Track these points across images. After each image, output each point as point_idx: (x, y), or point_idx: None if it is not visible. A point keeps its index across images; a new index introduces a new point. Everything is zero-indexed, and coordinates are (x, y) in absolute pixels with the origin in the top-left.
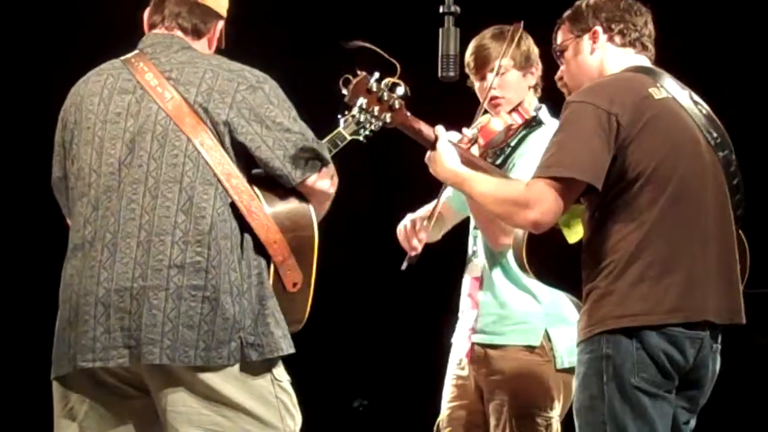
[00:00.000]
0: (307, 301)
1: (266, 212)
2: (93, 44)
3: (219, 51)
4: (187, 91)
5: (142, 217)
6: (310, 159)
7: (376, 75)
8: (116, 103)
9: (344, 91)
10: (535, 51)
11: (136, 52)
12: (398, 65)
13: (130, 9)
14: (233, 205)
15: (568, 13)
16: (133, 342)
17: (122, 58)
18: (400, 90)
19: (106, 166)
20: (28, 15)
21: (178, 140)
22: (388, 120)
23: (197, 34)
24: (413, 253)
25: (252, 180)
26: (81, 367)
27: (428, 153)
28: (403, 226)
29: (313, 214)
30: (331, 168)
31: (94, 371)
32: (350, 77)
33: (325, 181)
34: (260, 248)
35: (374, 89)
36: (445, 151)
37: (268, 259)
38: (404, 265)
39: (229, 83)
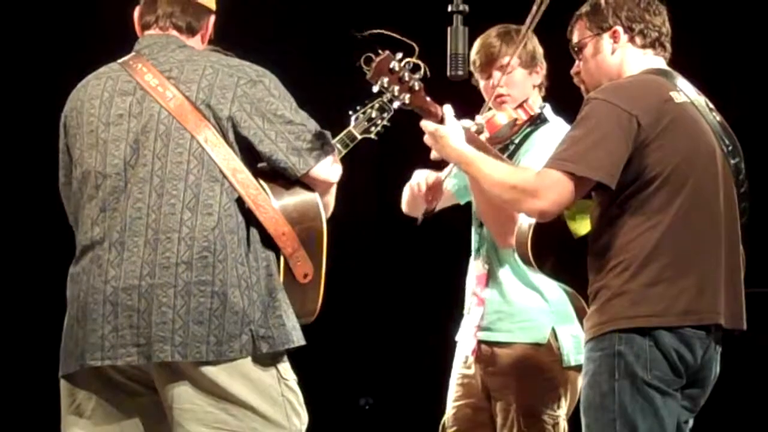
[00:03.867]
0: (318, 293)
1: (273, 205)
2: (96, 45)
3: (230, 50)
4: (189, 89)
5: (149, 216)
6: (313, 149)
7: (399, 55)
8: (117, 105)
9: (365, 70)
10: (540, 51)
11: (132, 54)
12: (415, 47)
13: (131, 11)
14: (240, 200)
15: (585, 8)
16: (142, 340)
17: (119, 60)
18: (421, 72)
19: (111, 168)
20: (32, 18)
21: (182, 138)
22: (406, 101)
23: (191, 31)
24: (431, 206)
25: (258, 173)
26: (90, 365)
27: (432, 128)
28: (416, 182)
29: (320, 205)
30: (335, 156)
31: (104, 370)
32: (372, 56)
33: (329, 170)
34: (268, 241)
35: (396, 69)
36: (454, 129)
37: (276, 251)
38: (420, 219)
39: (230, 78)
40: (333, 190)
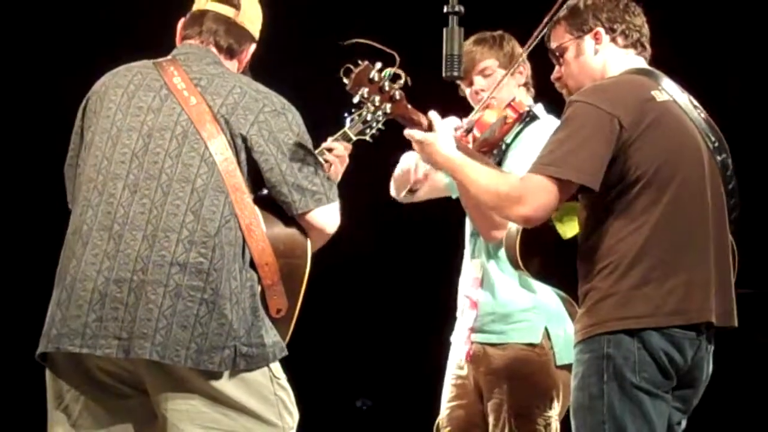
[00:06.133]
0: (288, 330)
1: (264, 233)
2: (118, 49)
3: None
4: (213, 100)
5: (151, 212)
6: (317, 193)
7: (378, 65)
8: (140, 97)
9: (345, 81)
10: (519, 51)
11: (169, 57)
12: (396, 56)
13: (158, 17)
14: (237, 217)
15: (564, 12)
16: (124, 334)
17: (154, 60)
18: (401, 81)
19: (118, 155)
20: (56, 18)
21: (197, 143)
22: (388, 110)
23: (230, 53)
24: (418, 186)
25: (258, 200)
26: (67, 350)
27: (419, 137)
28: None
29: (309, 245)
30: (336, 207)
31: (89, 369)
32: (351, 67)
33: (327, 219)
34: (254, 263)
35: (376, 79)
36: (442, 136)
37: (259, 275)
38: (404, 194)
39: (255, 102)
40: (325, 239)
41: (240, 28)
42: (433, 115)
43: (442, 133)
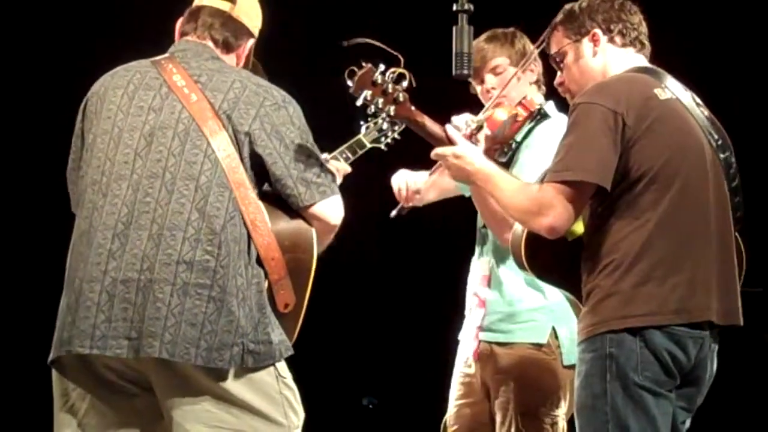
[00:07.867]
0: (296, 326)
1: (269, 228)
2: (117, 49)
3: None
4: (214, 96)
5: (156, 211)
6: (321, 185)
7: (382, 67)
8: (140, 97)
9: (349, 83)
10: (531, 48)
11: (166, 55)
12: (401, 57)
13: (156, 16)
14: (241, 213)
15: (559, 17)
16: (134, 334)
17: (152, 59)
18: (405, 82)
19: (121, 156)
20: (57, 17)
21: (199, 140)
22: (392, 113)
23: (227, 47)
24: (408, 204)
25: (261, 195)
26: (77, 352)
27: (449, 151)
28: (402, 182)
29: (314, 238)
30: (339, 199)
31: (96, 368)
32: (355, 69)
33: (331, 210)
34: (260, 259)
35: (379, 81)
36: (470, 148)
37: (266, 271)
38: (394, 213)
39: (256, 96)
40: (331, 233)
41: (236, 22)
42: (450, 129)
43: (468, 145)
